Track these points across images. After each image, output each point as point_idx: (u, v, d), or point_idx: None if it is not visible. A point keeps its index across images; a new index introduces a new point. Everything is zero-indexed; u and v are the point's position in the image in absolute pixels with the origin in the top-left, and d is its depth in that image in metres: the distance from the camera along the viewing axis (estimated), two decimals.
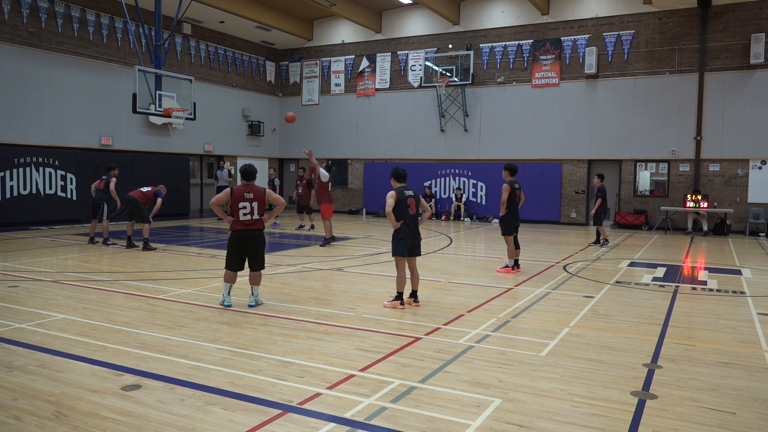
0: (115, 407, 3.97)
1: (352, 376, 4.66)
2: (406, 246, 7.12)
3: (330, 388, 4.39)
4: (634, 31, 18.91)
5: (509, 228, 9.98)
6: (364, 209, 23.67)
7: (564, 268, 10.61)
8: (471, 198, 21.87)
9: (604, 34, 19.32)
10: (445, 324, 6.40)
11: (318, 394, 4.25)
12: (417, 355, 5.24)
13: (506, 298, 7.91)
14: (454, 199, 21.94)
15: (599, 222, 14.08)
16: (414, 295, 7.32)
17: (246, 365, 4.89)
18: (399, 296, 7.21)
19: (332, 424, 3.75)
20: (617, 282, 9.20)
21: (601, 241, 14.10)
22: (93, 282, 8.58)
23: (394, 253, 7.19)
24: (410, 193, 7.21)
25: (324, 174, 13.21)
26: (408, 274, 7.38)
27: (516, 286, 8.76)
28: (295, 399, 4.15)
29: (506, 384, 4.53)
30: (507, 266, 10.08)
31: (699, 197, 17.63)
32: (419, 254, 7.31)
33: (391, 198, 7.09)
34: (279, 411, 3.94)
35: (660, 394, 4.38)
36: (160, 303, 7.27)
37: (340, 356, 5.19)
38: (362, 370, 4.81)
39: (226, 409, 3.98)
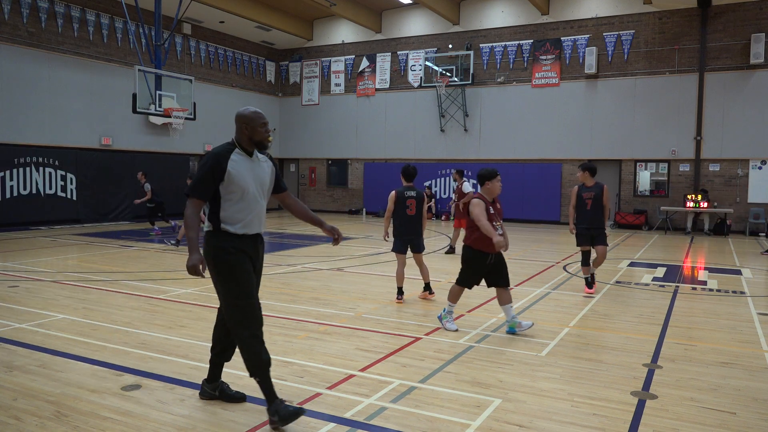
0: (115, 407, 3.97)
1: (352, 376, 4.66)
2: (404, 244, 7.46)
3: (330, 388, 4.39)
4: (634, 31, 18.90)
5: (577, 238, 8.26)
6: (364, 209, 23.67)
7: (564, 268, 10.61)
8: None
9: (604, 34, 19.32)
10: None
11: (318, 394, 4.25)
12: (417, 355, 5.24)
13: None
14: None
15: None
16: (427, 287, 7.61)
17: None
18: (398, 291, 7.56)
19: (332, 424, 3.75)
20: (617, 282, 9.19)
21: None
22: (93, 282, 8.58)
23: (393, 249, 7.56)
24: (412, 194, 7.37)
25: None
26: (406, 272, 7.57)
27: (516, 286, 8.75)
28: (295, 399, 4.14)
29: (506, 384, 4.53)
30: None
31: (699, 197, 17.63)
32: (422, 251, 7.55)
33: (390, 202, 7.39)
34: None
35: (660, 394, 4.38)
36: (160, 303, 7.28)
37: (340, 356, 5.19)
38: (362, 370, 4.81)
39: (226, 409, 3.98)
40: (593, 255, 8.25)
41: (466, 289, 6.14)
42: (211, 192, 3.67)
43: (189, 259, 3.60)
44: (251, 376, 3.71)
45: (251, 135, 3.73)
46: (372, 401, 4.14)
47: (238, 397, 4.12)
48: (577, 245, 8.28)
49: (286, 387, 4.38)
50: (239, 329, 3.68)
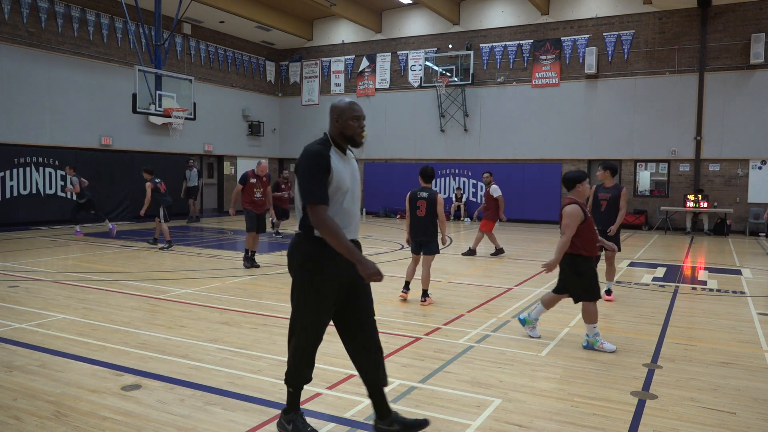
0: (115, 407, 3.97)
1: (352, 375, 4.65)
2: (415, 244, 7.49)
3: (330, 388, 4.39)
4: (634, 31, 18.90)
5: None
6: (364, 209, 23.66)
7: None
8: (471, 198, 21.87)
9: (604, 34, 19.32)
10: (445, 324, 6.40)
11: (318, 394, 4.25)
12: (417, 355, 5.24)
13: (506, 298, 7.91)
14: (454, 199, 21.93)
15: None
16: (423, 294, 7.46)
17: (246, 365, 4.89)
18: (405, 284, 7.63)
19: (332, 424, 3.75)
20: (617, 282, 9.19)
21: None
22: (93, 282, 8.58)
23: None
24: (424, 195, 7.38)
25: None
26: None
27: (516, 286, 8.76)
28: None
29: (506, 384, 4.53)
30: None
31: (699, 197, 17.63)
32: (429, 253, 7.45)
33: (406, 203, 7.50)
34: (279, 411, 3.94)
35: (660, 394, 4.38)
36: (160, 303, 7.28)
37: (340, 356, 5.17)
38: None
39: (226, 409, 3.98)
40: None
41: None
42: (327, 192, 3.22)
43: (365, 267, 3.21)
44: (286, 383, 3.55)
45: (342, 129, 3.35)
46: None
47: (421, 421, 3.62)
48: None
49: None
50: (298, 339, 3.48)
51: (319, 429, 3.65)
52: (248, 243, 10.05)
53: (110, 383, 4.42)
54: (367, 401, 4.11)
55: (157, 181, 12.61)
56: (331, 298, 3.41)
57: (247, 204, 9.93)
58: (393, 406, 4.04)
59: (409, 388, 4.40)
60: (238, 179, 10.19)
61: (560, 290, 5.75)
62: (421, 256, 7.50)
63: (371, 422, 3.77)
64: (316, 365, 4.88)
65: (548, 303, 5.88)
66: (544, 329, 6.22)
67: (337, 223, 3.26)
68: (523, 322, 5.96)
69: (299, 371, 3.50)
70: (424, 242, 7.41)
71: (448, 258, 11.86)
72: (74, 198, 14.62)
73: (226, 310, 6.94)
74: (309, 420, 3.79)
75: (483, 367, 4.95)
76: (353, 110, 3.36)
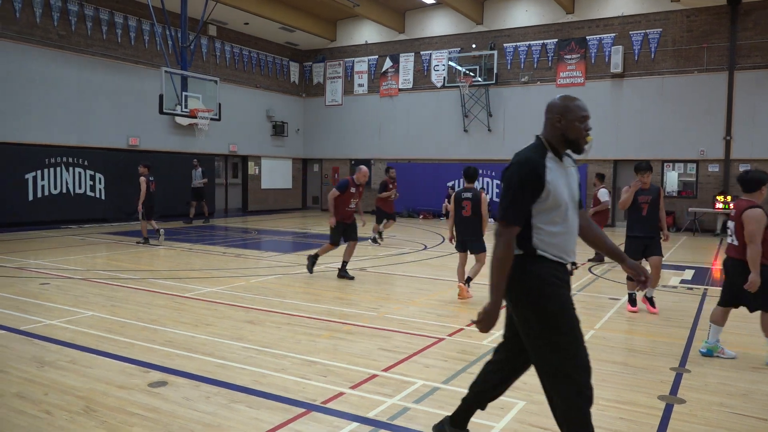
0: (142, 403, 4.04)
1: (375, 376, 4.67)
2: (461, 244, 7.71)
3: (353, 387, 4.41)
4: (661, 30, 18.59)
5: (627, 247, 7.01)
6: None
7: (589, 269, 10.49)
8: (495, 198, 21.69)
9: (631, 32, 19.04)
10: (469, 325, 6.37)
11: (341, 394, 4.27)
12: (440, 356, 5.23)
13: None
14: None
15: None
16: (467, 281, 7.70)
17: (270, 364, 4.93)
18: (465, 280, 7.74)
19: (355, 424, 3.76)
20: None
21: None
22: (121, 280, 8.74)
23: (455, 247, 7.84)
24: (468, 195, 7.55)
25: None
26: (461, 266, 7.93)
27: None
28: (318, 398, 4.17)
29: (530, 386, 4.49)
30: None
31: (728, 198, 17.26)
32: (479, 251, 7.61)
33: (451, 203, 7.74)
34: (303, 410, 3.97)
35: (688, 398, 4.30)
36: (186, 301, 7.38)
37: (364, 356, 5.20)
38: (385, 370, 4.82)
39: (250, 407, 4.02)
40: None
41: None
42: (528, 212, 2.80)
43: (489, 313, 2.84)
44: None
45: (565, 131, 2.90)
46: (395, 401, 4.14)
47: None
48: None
49: (310, 386, 4.41)
50: (563, 383, 2.78)
51: (342, 428, 3.66)
52: (323, 251, 9.25)
53: (138, 380, 4.50)
54: (390, 401, 4.12)
55: (151, 179, 13.03)
56: (576, 317, 2.86)
57: (336, 214, 9.05)
58: (418, 407, 4.04)
59: (432, 388, 4.40)
60: (336, 186, 9.05)
61: (729, 301, 5.28)
62: (472, 255, 7.69)
63: (394, 422, 3.77)
64: (338, 364, 4.93)
65: (720, 319, 5.35)
66: None
67: (561, 244, 2.85)
68: (710, 353, 5.32)
69: (582, 422, 2.79)
70: (469, 241, 7.62)
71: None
72: None
73: (251, 308, 7.00)
74: (331, 419, 3.82)
75: None
76: (580, 109, 2.92)
